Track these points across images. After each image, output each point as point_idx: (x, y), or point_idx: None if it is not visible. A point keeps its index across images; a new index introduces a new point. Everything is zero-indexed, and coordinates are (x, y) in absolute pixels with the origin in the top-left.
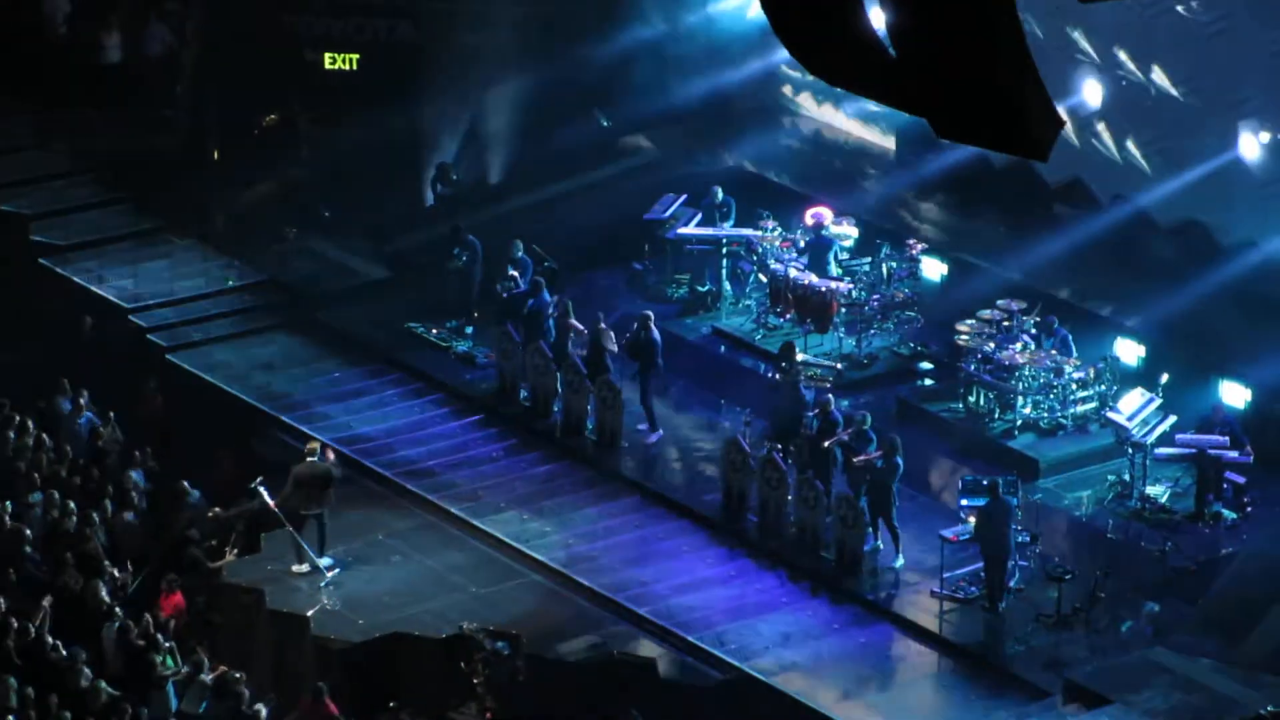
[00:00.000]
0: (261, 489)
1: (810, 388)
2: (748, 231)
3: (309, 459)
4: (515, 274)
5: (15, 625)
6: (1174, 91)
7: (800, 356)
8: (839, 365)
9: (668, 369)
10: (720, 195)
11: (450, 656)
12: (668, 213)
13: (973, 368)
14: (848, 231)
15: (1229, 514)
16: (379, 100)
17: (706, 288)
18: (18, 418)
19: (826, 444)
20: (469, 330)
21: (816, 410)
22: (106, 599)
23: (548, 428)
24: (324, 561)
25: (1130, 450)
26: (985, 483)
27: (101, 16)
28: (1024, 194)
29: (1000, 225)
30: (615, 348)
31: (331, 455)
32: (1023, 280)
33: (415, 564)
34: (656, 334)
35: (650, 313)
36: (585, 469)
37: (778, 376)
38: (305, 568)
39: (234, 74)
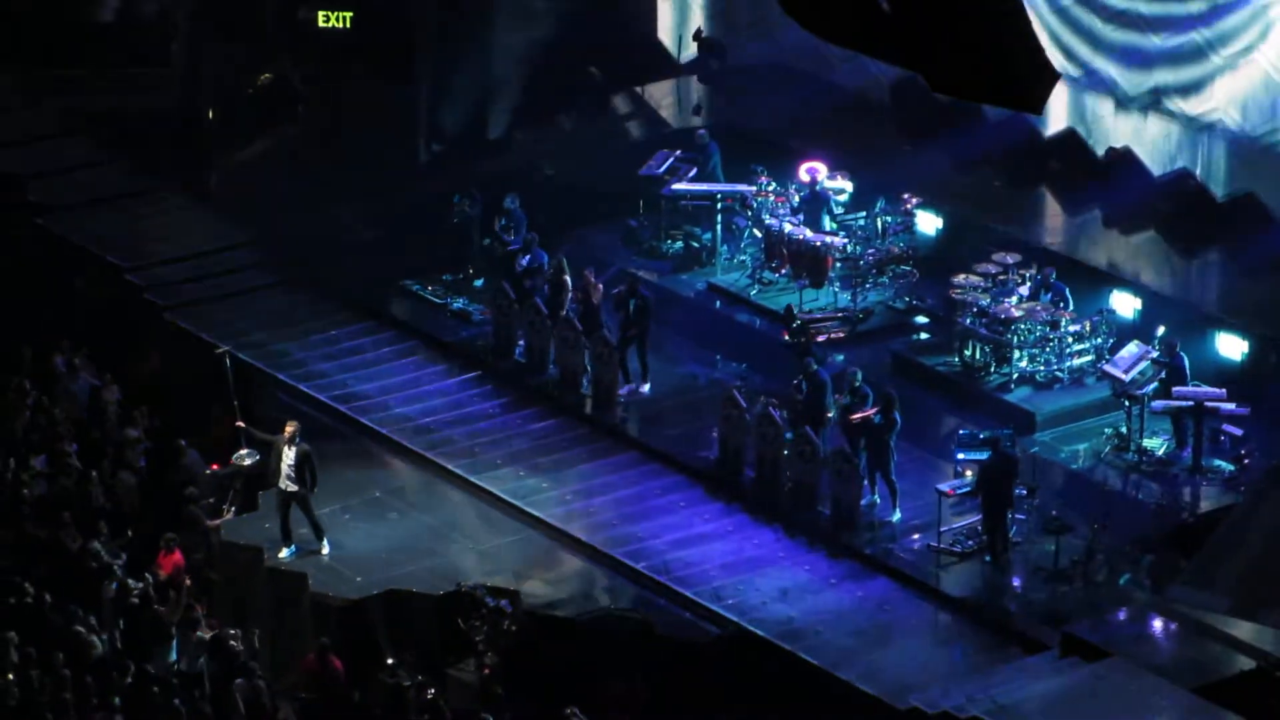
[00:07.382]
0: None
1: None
2: (742, 186)
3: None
4: (509, 228)
5: (16, 585)
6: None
7: (805, 315)
8: (843, 314)
9: (662, 324)
10: (707, 139)
11: (448, 613)
12: (662, 168)
13: (969, 321)
14: (842, 186)
15: (1226, 466)
16: (373, 58)
17: (704, 238)
18: (15, 379)
19: (829, 415)
20: (478, 284)
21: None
22: (105, 558)
23: (543, 384)
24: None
25: (1127, 403)
26: (984, 437)
27: None
28: (1020, 147)
29: (995, 178)
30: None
31: (288, 431)
32: (1018, 234)
33: (413, 521)
34: (646, 292)
35: (635, 271)
36: (581, 425)
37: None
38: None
39: (228, 33)
